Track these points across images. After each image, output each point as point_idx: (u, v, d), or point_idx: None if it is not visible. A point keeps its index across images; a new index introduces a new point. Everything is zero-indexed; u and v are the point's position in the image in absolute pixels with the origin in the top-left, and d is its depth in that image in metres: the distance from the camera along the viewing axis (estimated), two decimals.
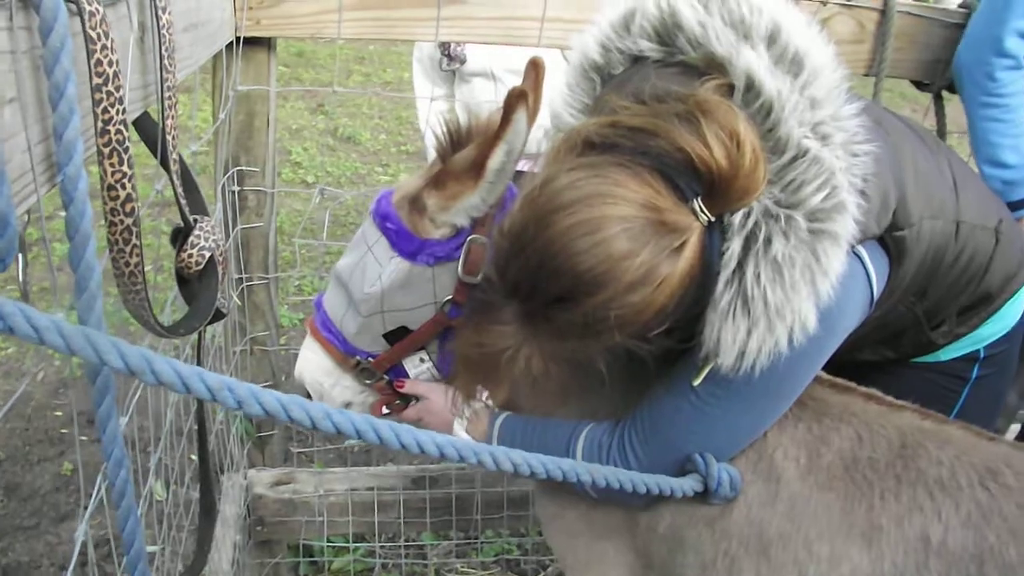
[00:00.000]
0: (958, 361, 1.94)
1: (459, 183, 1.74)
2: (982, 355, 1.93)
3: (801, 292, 1.36)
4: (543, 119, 1.78)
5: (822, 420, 1.69)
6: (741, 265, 1.37)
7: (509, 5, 2.47)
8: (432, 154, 4.27)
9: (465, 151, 1.76)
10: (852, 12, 2.65)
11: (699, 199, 1.27)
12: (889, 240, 1.58)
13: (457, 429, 1.90)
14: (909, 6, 2.68)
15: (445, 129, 1.81)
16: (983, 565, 1.47)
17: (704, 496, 1.65)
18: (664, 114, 1.32)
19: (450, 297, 1.83)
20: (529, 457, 1.33)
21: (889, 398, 1.73)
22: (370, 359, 1.95)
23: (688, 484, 1.62)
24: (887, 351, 1.92)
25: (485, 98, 3.66)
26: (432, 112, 3.79)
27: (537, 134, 1.83)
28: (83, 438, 4.34)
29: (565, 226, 1.23)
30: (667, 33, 1.53)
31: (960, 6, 2.74)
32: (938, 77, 2.78)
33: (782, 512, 1.64)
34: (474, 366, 1.54)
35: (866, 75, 2.74)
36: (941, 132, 2.86)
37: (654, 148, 1.28)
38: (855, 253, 1.51)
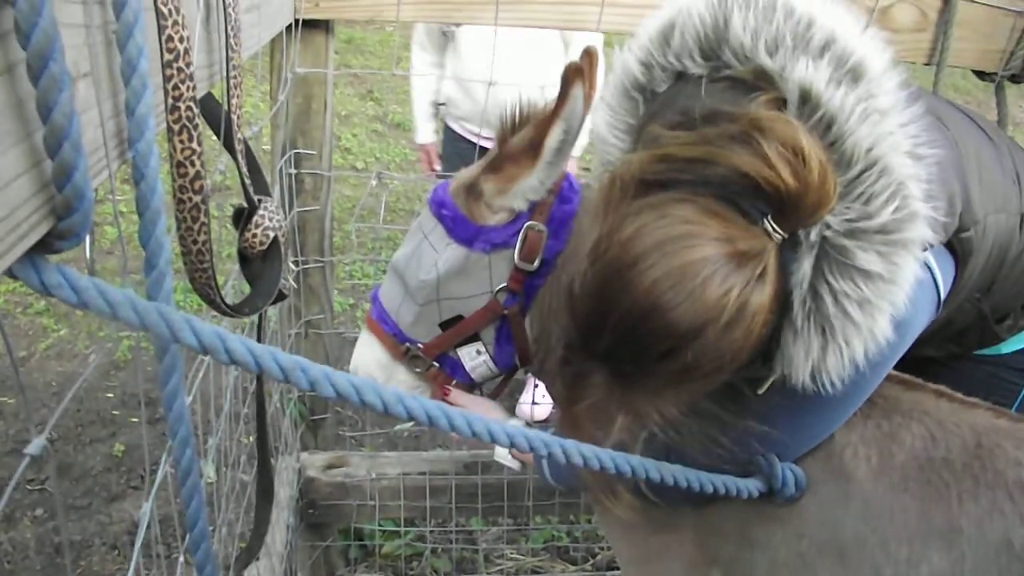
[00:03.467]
0: (1019, 354, 1.90)
1: (516, 165, 1.73)
2: None
3: (878, 305, 1.31)
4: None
5: (892, 418, 1.65)
6: (814, 283, 1.32)
7: None
8: (422, 127, 4.32)
9: (522, 133, 1.74)
10: (914, 0, 2.59)
11: (768, 219, 1.22)
12: (955, 242, 1.54)
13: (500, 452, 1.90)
14: None
15: (506, 114, 1.79)
16: None
17: (769, 496, 1.63)
18: (717, 139, 1.25)
19: (505, 284, 1.82)
20: (599, 452, 1.31)
21: (960, 395, 1.69)
22: (419, 345, 1.93)
23: (753, 485, 1.59)
24: (951, 346, 1.89)
25: (475, 67, 3.70)
26: (424, 82, 4.12)
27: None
28: (134, 420, 4.39)
29: (650, 281, 1.16)
30: (710, 47, 1.45)
31: None
32: (1001, 67, 2.73)
33: (856, 513, 1.61)
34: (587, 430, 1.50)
35: (927, 64, 2.69)
36: (1002, 123, 2.81)
37: (714, 177, 1.23)
38: (924, 265, 1.46)
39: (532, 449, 1.18)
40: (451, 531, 3.70)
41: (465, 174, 1.86)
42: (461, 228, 1.81)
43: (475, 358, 1.94)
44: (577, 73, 1.58)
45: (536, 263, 1.78)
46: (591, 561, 3.74)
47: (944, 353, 1.91)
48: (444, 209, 1.84)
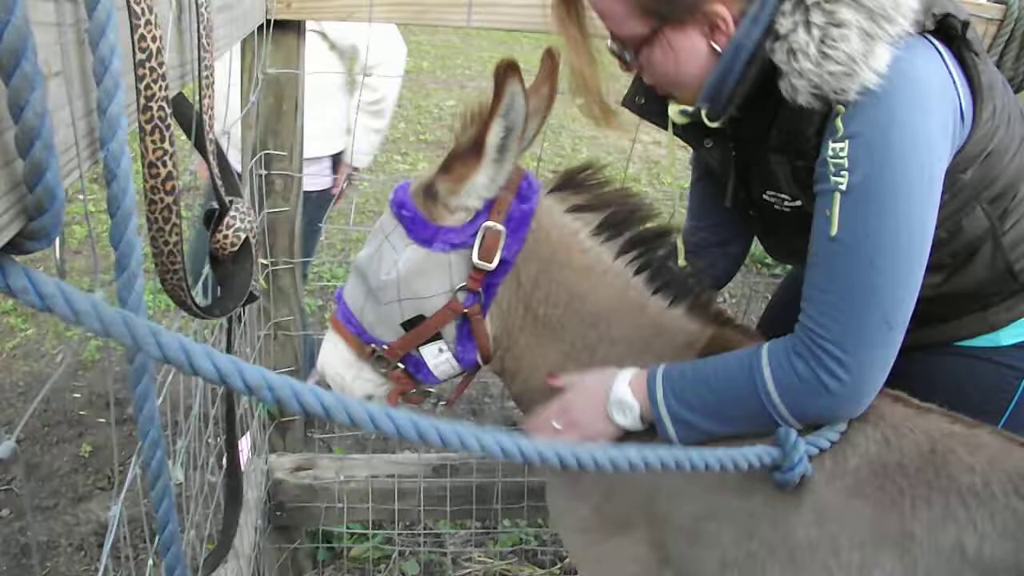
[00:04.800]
0: (1016, 348, 1.88)
1: (464, 164, 1.75)
2: None
3: None
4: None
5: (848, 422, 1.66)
6: None
7: None
8: None
9: (468, 132, 1.76)
10: None
11: None
12: (968, 59, 1.61)
13: (620, 385, 1.81)
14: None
15: (463, 114, 1.80)
16: None
17: (774, 470, 1.61)
18: None
19: (464, 284, 1.83)
20: (596, 450, 1.29)
21: (916, 400, 1.70)
22: (384, 346, 1.94)
23: (762, 453, 1.57)
24: (960, 278, 1.84)
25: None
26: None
27: None
28: (101, 420, 4.36)
29: None
30: None
31: (995, 1, 2.70)
32: None
33: (808, 516, 1.61)
34: None
35: None
36: None
37: None
38: (930, 43, 1.57)
39: (525, 460, 1.17)
40: (419, 534, 3.69)
41: (423, 175, 1.87)
42: (420, 228, 1.83)
43: (437, 356, 1.94)
44: (508, 70, 1.58)
45: (495, 262, 1.80)
46: (559, 564, 3.74)
47: (951, 290, 1.85)
48: (404, 210, 1.85)
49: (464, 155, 1.74)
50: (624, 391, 1.77)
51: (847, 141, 1.50)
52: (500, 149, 1.71)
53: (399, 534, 3.60)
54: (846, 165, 1.50)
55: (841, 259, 1.54)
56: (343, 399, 0.94)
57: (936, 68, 1.55)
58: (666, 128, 1.91)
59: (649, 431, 1.78)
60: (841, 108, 1.51)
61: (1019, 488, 1.48)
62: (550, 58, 1.85)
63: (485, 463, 3.21)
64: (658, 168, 9.19)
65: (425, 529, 3.70)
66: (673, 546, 1.81)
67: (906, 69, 1.48)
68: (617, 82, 1.90)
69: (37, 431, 4.25)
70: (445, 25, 2.50)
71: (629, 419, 1.77)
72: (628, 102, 2.00)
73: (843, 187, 1.51)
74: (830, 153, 1.53)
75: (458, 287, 1.83)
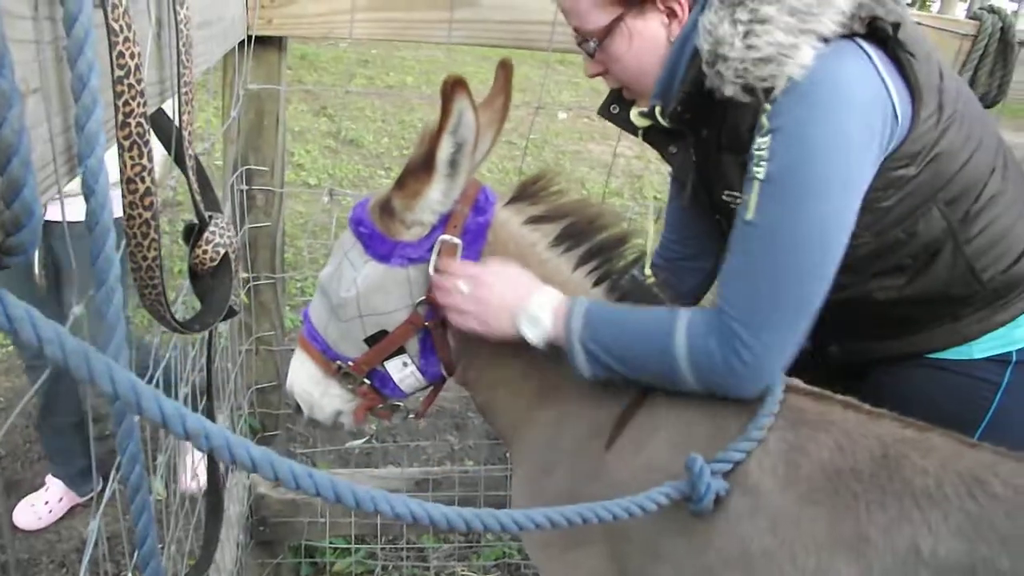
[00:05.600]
0: (989, 362, 1.90)
1: (417, 180, 1.76)
2: (1014, 359, 1.88)
3: None
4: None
5: (798, 429, 1.66)
6: None
7: (521, 9, 2.48)
8: None
9: (420, 148, 1.77)
10: None
11: None
12: (903, 59, 1.63)
13: (538, 301, 1.76)
14: (917, 16, 2.66)
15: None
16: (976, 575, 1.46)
17: (686, 502, 1.63)
18: None
19: (424, 298, 1.84)
20: (499, 514, 1.32)
21: (867, 406, 1.70)
22: (349, 363, 1.95)
23: (670, 491, 1.58)
24: (924, 279, 1.85)
25: None
26: None
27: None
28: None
29: None
30: None
31: (969, 17, 2.73)
32: None
33: (763, 526, 1.61)
34: None
35: None
36: None
37: None
38: (860, 47, 1.60)
39: (433, 522, 1.19)
40: (402, 548, 3.69)
41: (381, 191, 1.88)
42: (378, 244, 1.84)
43: (402, 370, 1.95)
44: (456, 86, 1.59)
45: None
46: None
47: (915, 293, 1.87)
48: (362, 227, 1.87)
49: (416, 171, 1.75)
50: (541, 309, 1.76)
51: (769, 135, 1.56)
52: (451, 164, 1.72)
53: (382, 548, 3.60)
54: (766, 156, 1.56)
55: (754, 243, 1.59)
56: (270, 456, 0.94)
57: (863, 71, 1.59)
58: (637, 136, 1.96)
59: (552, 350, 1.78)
60: (767, 107, 1.57)
61: (971, 489, 1.49)
62: (504, 70, 1.86)
63: (468, 477, 3.21)
64: (640, 182, 9.22)
65: (408, 544, 3.69)
66: (630, 559, 1.82)
67: (830, 69, 1.54)
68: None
69: (18, 447, 4.23)
70: (427, 41, 2.52)
71: (534, 336, 1.77)
72: (604, 111, 2.06)
73: (761, 176, 1.56)
74: (756, 147, 1.58)
75: (418, 301, 1.84)
